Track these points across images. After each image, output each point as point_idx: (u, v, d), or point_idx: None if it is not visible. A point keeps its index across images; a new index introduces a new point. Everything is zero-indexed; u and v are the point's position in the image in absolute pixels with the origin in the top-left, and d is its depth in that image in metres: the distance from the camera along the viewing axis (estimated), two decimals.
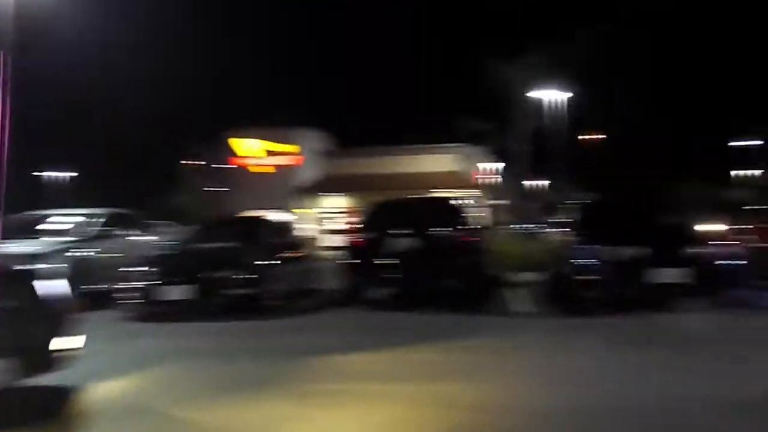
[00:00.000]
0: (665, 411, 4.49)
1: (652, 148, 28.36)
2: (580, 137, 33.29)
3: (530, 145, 28.33)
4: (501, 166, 28.84)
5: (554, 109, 28.10)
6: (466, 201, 12.90)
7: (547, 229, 14.29)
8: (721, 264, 10.34)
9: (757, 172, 28.48)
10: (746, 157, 28.93)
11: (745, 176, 28.66)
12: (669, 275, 9.76)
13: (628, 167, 28.03)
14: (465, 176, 26.41)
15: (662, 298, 9.93)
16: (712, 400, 4.67)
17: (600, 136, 34.57)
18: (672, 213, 12.15)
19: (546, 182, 31.96)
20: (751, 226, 11.95)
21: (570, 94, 28.03)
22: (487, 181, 27.49)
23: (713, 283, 9.91)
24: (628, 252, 9.94)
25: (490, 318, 9.71)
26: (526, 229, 15.97)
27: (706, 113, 26.16)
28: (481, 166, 27.89)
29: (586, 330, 8.46)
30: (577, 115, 28.82)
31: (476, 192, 24.15)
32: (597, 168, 30.16)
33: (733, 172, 29.03)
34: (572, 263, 10.26)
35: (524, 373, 6.11)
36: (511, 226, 17.27)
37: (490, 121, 26.60)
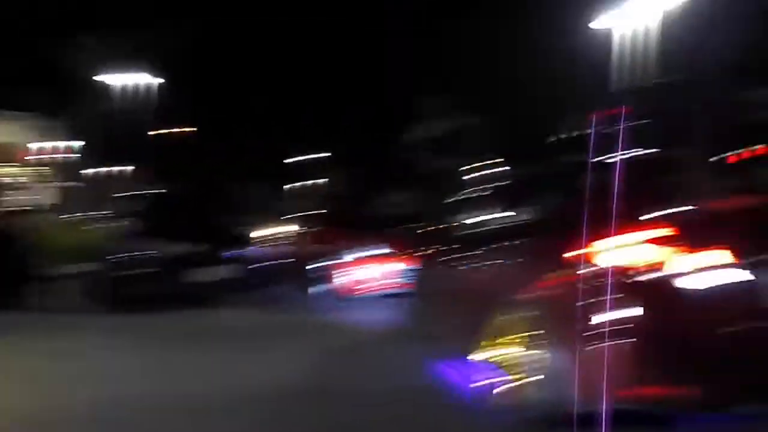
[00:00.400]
0: (163, 408, 4.40)
1: (222, 150, 29.28)
2: (165, 129, 32.47)
3: (106, 129, 26.46)
4: (71, 145, 26.20)
5: (138, 96, 26.90)
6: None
7: (106, 219, 13.40)
8: (264, 264, 11.08)
9: (308, 184, 32.03)
10: (300, 171, 32.20)
11: (301, 187, 31.74)
12: (216, 273, 10.04)
13: (199, 166, 28.39)
14: (15, 150, 22.99)
15: (207, 295, 10.14)
16: (220, 393, 4.81)
17: (185, 130, 34.18)
18: (228, 214, 12.63)
19: (125, 168, 30.30)
20: (294, 231, 13.22)
21: (159, 81, 27.17)
22: (49, 160, 24.70)
23: (258, 281, 10.53)
24: (179, 248, 9.91)
25: (20, 315, 8.60)
26: (84, 217, 14.68)
27: (270, 127, 28.22)
28: (43, 143, 24.94)
29: (121, 328, 8.11)
30: (166, 105, 28.08)
31: (30, 171, 21.42)
32: (175, 162, 29.81)
33: (288, 186, 31.84)
34: (120, 256, 9.80)
35: (33, 376, 5.46)
36: (69, 213, 15.62)
37: (59, 97, 24.05)
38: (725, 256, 3.12)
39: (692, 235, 3.16)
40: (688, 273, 3.10)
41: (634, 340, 2.99)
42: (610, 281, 3.09)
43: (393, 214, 15.50)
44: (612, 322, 3.05)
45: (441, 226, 6.16)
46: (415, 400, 4.50)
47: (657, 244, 3.15)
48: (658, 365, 2.99)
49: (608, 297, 3.09)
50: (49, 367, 5.87)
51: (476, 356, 4.21)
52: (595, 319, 3.11)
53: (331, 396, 4.89)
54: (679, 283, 3.09)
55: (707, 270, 3.10)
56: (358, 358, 6.59)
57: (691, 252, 3.12)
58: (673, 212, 3.29)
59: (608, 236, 3.22)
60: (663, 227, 3.18)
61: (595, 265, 3.28)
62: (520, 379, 3.73)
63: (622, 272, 3.12)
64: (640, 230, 3.20)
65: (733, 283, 3.08)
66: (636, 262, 3.15)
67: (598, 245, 3.30)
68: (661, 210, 3.35)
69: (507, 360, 3.87)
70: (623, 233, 3.19)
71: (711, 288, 3.09)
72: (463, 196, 6.47)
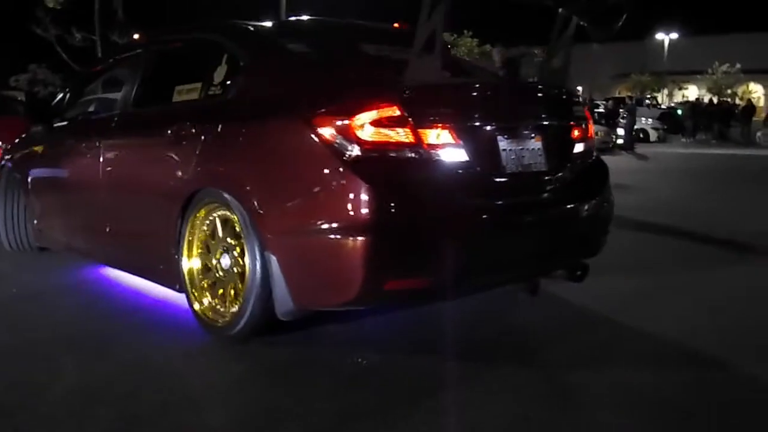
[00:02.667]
0: None
1: None
2: None
3: None
4: None
5: None
6: None
7: None
8: None
9: None
10: None
11: None
12: None
13: None
14: None
15: None
16: None
17: None
18: None
19: None
20: None
21: None
22: None
23: None
24: None
25: None
26: None
27: None
28: None
29: None
30: None
31: None
32: None
33: None
34: None
35: None
36: None
37: None
38: (447, 135, 2.86)
39: (415, 114, 2.77)
40: (417, 155, 2.77)
41: (360, 231, 2.60)
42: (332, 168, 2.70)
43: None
44: (333, 214, 2.67)
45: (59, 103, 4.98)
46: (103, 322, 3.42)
47: (380, 125, 2.74)
48: (393, 258, 2.67)
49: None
50: None
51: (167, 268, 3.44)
52: (310, 213, 2.75)
53: None
54: (402, 168, 2.76)
55: (434, 149, 2.80)
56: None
57: (416, 132, 2.78)
58: (391, 90, 2.82)
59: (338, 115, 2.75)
60: (384, 106, 2.74)
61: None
62: (216, 293, 3.22)
63: (339, 155, 2.69)
64: (360, 111, 2.73)
65: (411, 167, 2.76)
66: (357, 144, 2.70)
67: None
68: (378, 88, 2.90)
69: (199, 271, 3.30)
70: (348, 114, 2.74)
71: (432, 171, 2.80)
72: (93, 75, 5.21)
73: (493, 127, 3.04)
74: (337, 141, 2.74)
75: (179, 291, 3.39)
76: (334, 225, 2.67)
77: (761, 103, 35.26)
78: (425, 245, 2.73)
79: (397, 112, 2.75)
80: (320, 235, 2.72)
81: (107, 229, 3.98)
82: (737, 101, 33.36)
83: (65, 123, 4.71)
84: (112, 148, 3.96)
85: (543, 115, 3.32)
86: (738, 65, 35.34)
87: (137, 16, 20.54)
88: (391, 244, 2.67)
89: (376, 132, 2.75)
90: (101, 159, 3.97)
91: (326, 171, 2.73)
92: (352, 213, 2.65)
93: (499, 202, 3.01)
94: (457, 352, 2.94)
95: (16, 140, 5.45)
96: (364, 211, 2.64)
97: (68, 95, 4.88)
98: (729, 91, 35.20)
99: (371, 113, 2.74)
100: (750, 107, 27.15)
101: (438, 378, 2.70)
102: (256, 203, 2.91)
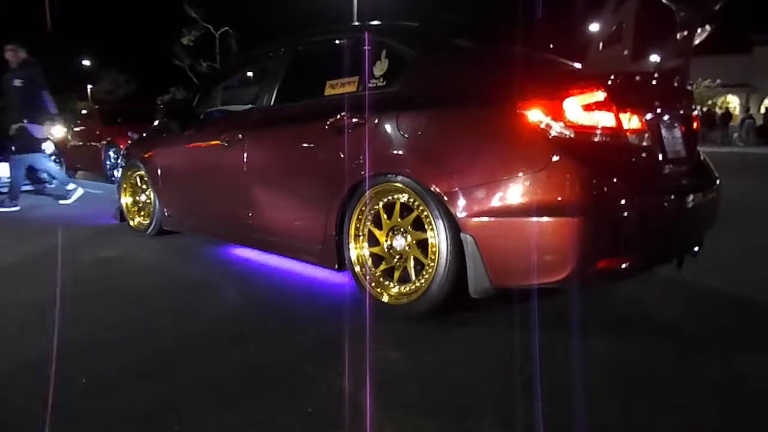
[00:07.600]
0: None
1: None
2: None
3: None
4: None
5: None
6: None
7: None
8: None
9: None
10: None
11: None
12: None
13: None
14: None
15: None
16: None
17: None
18: None
19: None
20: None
21: None
22: None
23: None
24: None
25: None
26: None
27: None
28: None
29: None
30: None
31: None
32: None
33: None
34: None
35: None
36: None
37: None
38: (637, 121, 2.86)
39: (616, 100, 2.75)
40: (619, 139, 2.76)
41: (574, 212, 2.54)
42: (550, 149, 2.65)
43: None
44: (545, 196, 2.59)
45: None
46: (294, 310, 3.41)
47: (589, 109, 2.70)
48: (607, 238, 2.61)
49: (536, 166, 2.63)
50: None
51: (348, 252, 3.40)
52: (518, 193, 2.64)
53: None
54: (609, 151, 2.73)
55: (630, 134, 2.81)
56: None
57: (617, 116, 2.76)
58: (597, 76, 2.78)
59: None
60: (593, 91, 2.70)
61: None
62: (391, 273, 3.22)
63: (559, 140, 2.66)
64: (571, 95, 2.70)
65: (616, 149, 2.77)
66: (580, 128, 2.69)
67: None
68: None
69: (369, 255, 3.27)
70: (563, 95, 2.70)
71: (630, 154, 2.82)
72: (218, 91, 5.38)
73: (658, 116, 3.04)
74: (550, 125, 2.62)
75: (338, 270, 3.42)
76: (549, 206, 2.54)
77: (736, 111, 38.76)
78: (630, 225, 2.61)
79: (604, 97, 2.68)
80: (532, 216, 2.57)
81: (250, 214, 4.00)
82: (717, 110, 36.21)
83: (199, 119, 4.82)
84: (258, 139, 3.95)
85: (681, 107, 3.35)
86: (718, 80, 38.24)
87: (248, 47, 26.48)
88: (606, 224, 2.56)
89: (586, 116, 2.66)
90: (246, 150, 3.98)
91: (539, 155, 2.59)
92: (569, 195, 2.51)
93: (671, 185, 3.00)
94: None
95: (140, 137, 5.50)
96: (583, 192, 2.50)
97: (199, 96, 4.99)
98: (710, 102, 38.17)
99: (582, 97, 2.66)
100: (727, 114, 32.40)
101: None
102: (450, 187, 2.80)
